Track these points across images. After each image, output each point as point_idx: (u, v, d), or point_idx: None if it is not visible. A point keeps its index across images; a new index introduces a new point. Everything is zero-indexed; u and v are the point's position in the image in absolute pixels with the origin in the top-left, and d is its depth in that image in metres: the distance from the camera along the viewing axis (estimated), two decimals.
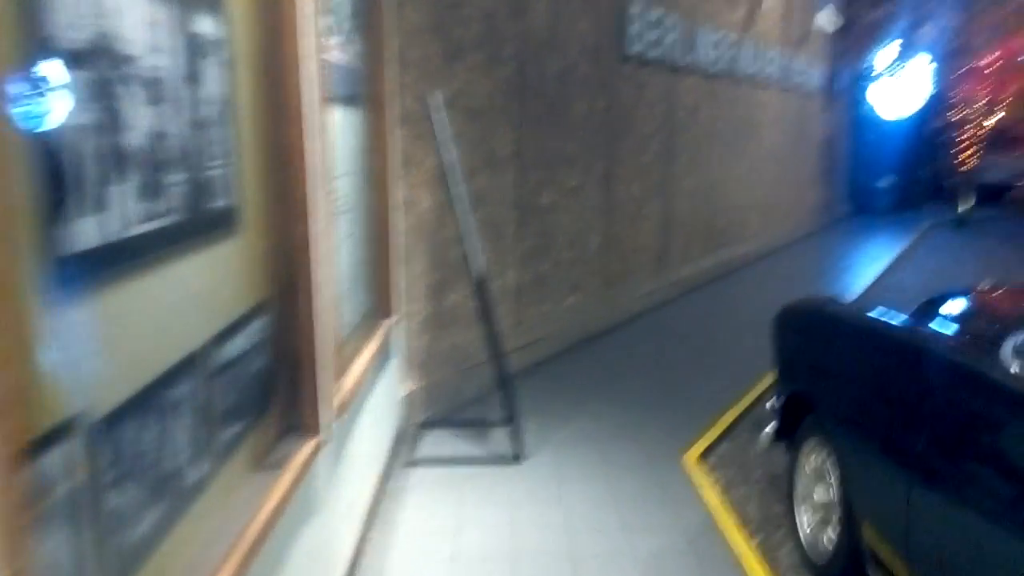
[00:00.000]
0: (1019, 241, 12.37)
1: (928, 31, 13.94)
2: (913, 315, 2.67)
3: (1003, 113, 13.87)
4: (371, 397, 3.36)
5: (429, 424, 4.23)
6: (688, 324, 6.66)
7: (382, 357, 3.62)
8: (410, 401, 4.22)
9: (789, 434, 3.05)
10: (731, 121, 8.76)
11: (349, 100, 3.02)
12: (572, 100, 5.65)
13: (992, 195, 17.00)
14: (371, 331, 3.41)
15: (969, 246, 11.75)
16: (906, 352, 2.27)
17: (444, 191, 4.03)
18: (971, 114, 13.68)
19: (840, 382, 2.58)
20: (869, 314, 2.70)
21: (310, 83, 2.10)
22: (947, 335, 2.38)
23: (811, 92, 11.83)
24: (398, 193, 4.03)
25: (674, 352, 5.77)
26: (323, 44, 2.33)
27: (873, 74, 14.34)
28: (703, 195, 8.18)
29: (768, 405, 3.25)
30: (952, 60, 14.24)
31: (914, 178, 16.04)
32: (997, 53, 13.45)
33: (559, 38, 5.41)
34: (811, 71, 11.64)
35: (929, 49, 14.21)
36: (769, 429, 3.15)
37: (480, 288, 3.90)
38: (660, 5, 6.78)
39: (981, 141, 13.84)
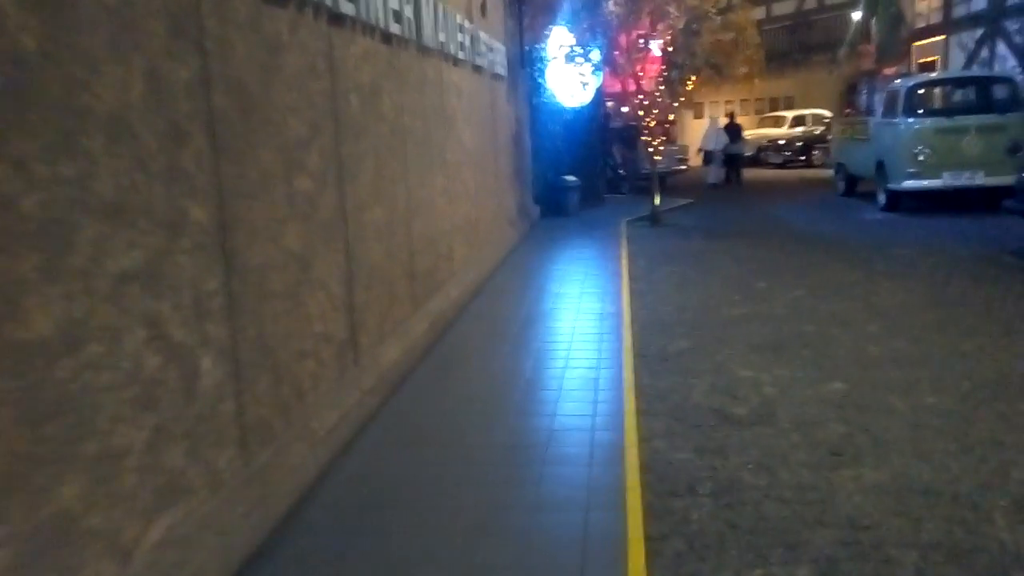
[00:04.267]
0: (710, 232, 11.55)
1: (596, 14, 12.62)
2: None
3: (678, 102, 13.14)
4: None
5: None
6: (411, 484, 3.69)
7: None
8: None
9: None
10: (422, 111, 5.94)
11: None
12: (98, 59, 2.30)
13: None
14: None
15: (677, 245, 10.50)
16: None
17: None
18: (647, 103, 12.64)
19: None
20: None
21: None
22: None
23: (498, 74, 9.57)
24: None
25: None
26: None
27: (550, 56, 12.68)
28: (399, 227, 5.25)
29: None
30: (618, 47, 13.16)
31: (596, 172, 14.90)
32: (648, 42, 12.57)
33: None
34: (496, 47, 9.35)
35: (599, 32, 12.94)
36: None
37: None
38: None
39: (661, 130, 12.94)
